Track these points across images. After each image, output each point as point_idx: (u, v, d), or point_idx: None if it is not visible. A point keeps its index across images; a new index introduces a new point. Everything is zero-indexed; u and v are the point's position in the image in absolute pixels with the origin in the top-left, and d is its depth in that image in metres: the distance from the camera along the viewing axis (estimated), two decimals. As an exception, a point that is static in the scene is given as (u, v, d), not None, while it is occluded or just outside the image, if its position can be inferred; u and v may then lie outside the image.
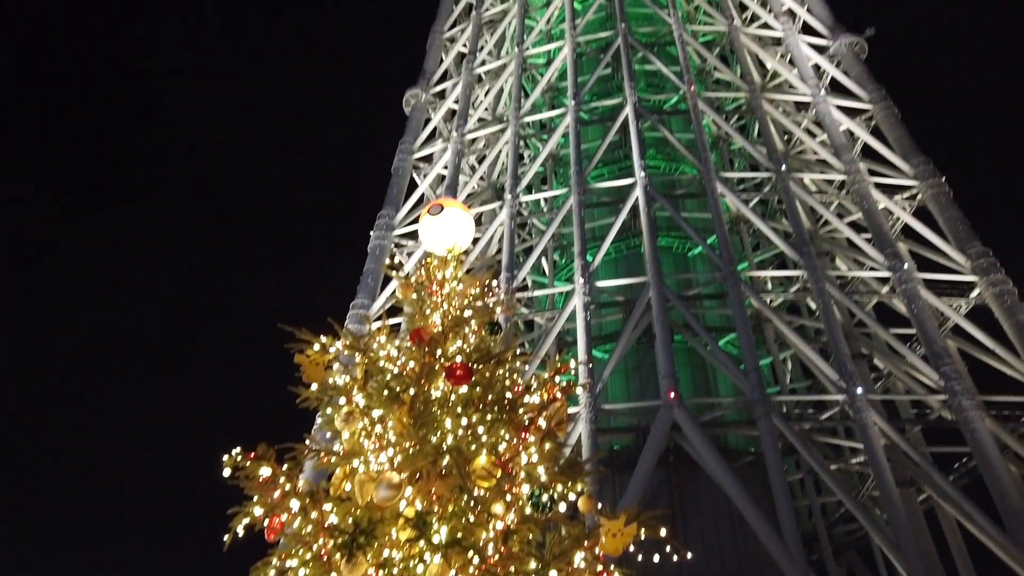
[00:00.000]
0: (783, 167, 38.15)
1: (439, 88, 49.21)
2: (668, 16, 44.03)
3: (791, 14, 45.94)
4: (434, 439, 7.11)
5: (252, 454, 6.67)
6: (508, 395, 7.56)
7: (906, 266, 34.59)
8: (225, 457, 6.58)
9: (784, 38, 44.77)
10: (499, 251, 38.78)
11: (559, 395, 7.61)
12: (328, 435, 7.53)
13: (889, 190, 38.58)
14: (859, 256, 37.78)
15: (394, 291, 8.71)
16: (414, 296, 8.34)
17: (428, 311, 8.17)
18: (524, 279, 40.26)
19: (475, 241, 39.92)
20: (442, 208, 8.79)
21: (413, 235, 41.25)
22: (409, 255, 41.63)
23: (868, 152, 40.57)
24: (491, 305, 8.37)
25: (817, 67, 43.70)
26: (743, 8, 48.05)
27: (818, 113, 41.55)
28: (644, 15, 46.62)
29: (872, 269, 36.22)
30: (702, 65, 46.60)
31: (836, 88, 43.16)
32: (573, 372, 8.65)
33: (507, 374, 7.75)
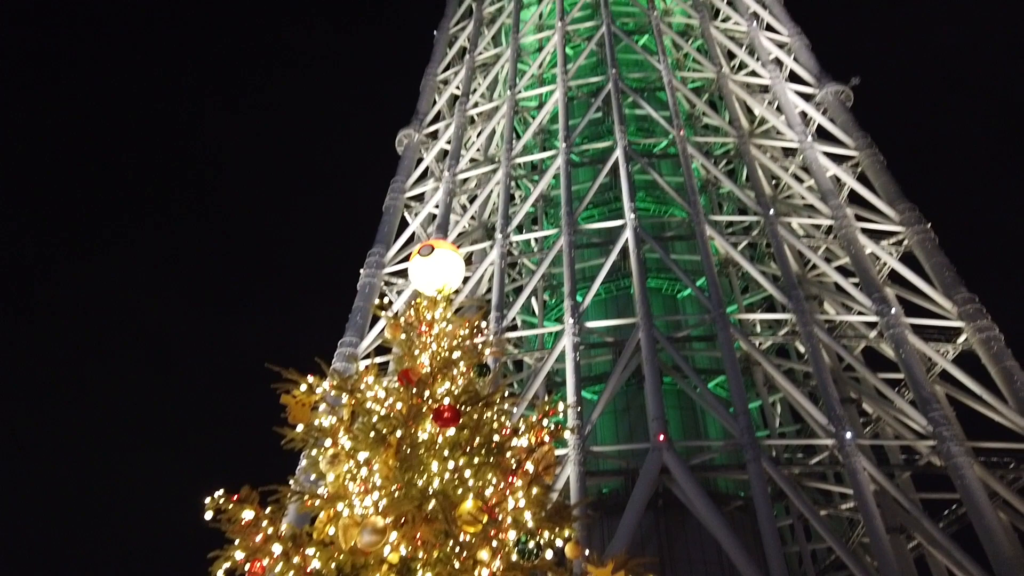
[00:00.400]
0: (771, 211, 38.63)
1: (432, 129, 49.82)
2: (658, 63, 44.98)
3: (778, 62, 47.05)
4: (420, 483, 7.01)
5: (235, 496, 6.54)
6: (496, 438, 7.49)
7: (893, 311, 34.83)
8: (207, 499, 6.44)
9: (771, 86, 45.77)
10: (489, 290, 38.83)
11: (547, 439, 7.54)
12: (313, 477, 7.41)
13: (876, 235, 39.08)
14: (847, 300, 38.06)
15: (383, 330, 8.66)
16: (402, 336, 8.31)
17: (416, 352, 8.13)
18: (514, 319, 40.25)
19: (465, 280, 39.97)
20: (432, 249, 8.82)
21: (403, 273, 41.28)
22: (399, 293, 41.60)
23: (855, 198, 41.19)
24: (480, 346, 8.34)
25: (804, 114, 44.60)
26: (731, 56, 49.21)
27: (805, 159, 42.27)
28: (634, 61, 47.62)
29: (860, 313, 36.46)
30: (691, 110, 47.48)
31: (822, 135, 44.02)
32: (561, 414, 8.62)
33: (495, 416, 7.69)
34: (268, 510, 6.68)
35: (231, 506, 6.50)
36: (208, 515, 6.40)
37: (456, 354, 7.96)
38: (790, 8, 51.39)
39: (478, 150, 47.78)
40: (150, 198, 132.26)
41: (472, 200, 46.21)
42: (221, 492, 6.51)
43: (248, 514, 6.51)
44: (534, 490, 7.14)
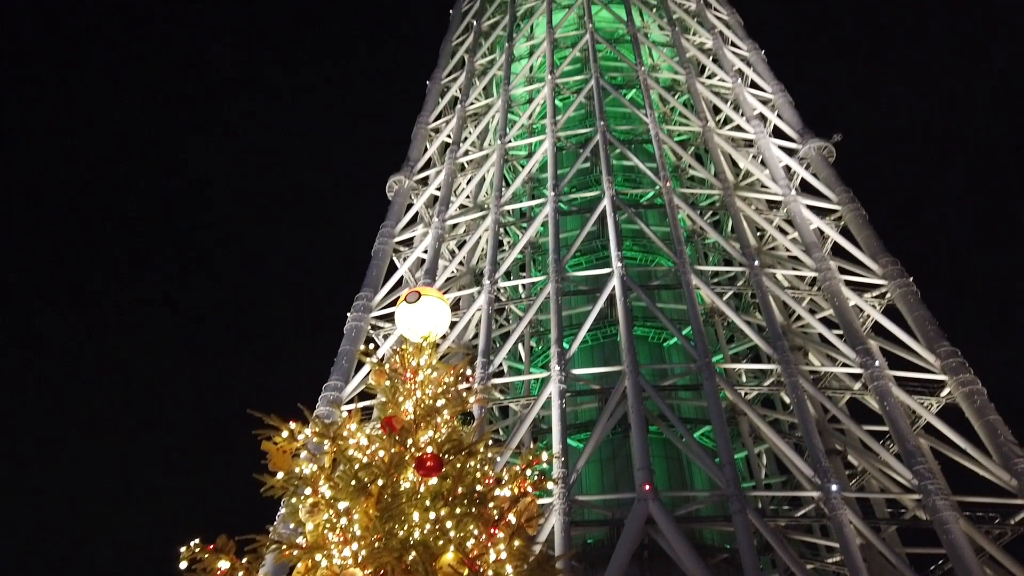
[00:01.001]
0: (756, 262, 39.09)
1: (422, 175, 50.39)
2: (645, 116, 45.98)
3: (762, 118, 48.23)
4: (401, 533, 6.91)
5: (211, 546, 6.43)
6: (479, 488, 7.43)
7: (877, 363, 35.04)
8: (182, 548, 6.32)
9: (756, 140, 46.82)
10: (476, 336, 38.79)
11: (530, 489, 7.48)
12: (292, 526, 7.30)
13: (859, 288, 39.55)
14: (831, 352, 38.27)
15: (367, 375, 8.64)
16: (387, 383, 8.29)
17: (401, 398, 8.11)
18: (500, 365, 40.13)
19: (453, 325, 39.92)
20: (419, 296, 8.87)
21: (391, 318, 41.19)
22: (386, 337, 41.44)
23: (838, 251, 41.79)
24: (464, 394, 8.33)
25: (787, 168, 45.54)
26: (717, 111, 50.41)
27: (789, 212, 43.00)
28: (622, 114, 48.66)
29: (844, 365, 36.63)
30: (677, 162, 48.38)
31: (806, 188, 44.88)
32: (546, 463, 8.56)
33: (478, 466, 7.63)
34: (245, 560, 6.57)
35: (206, 556, 6.38)
36: (183, 565, 6.28)
37: (440, 402, 7.94)
38: (773, 66, 52.99)
39: (468, 197, 48.29)
40: (134, 241, 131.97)
41: (461, 246, 46.50)
42: (197, 541, 6.40)
43: (224, 564, 6.39)
44: (516, 542, 7.06)
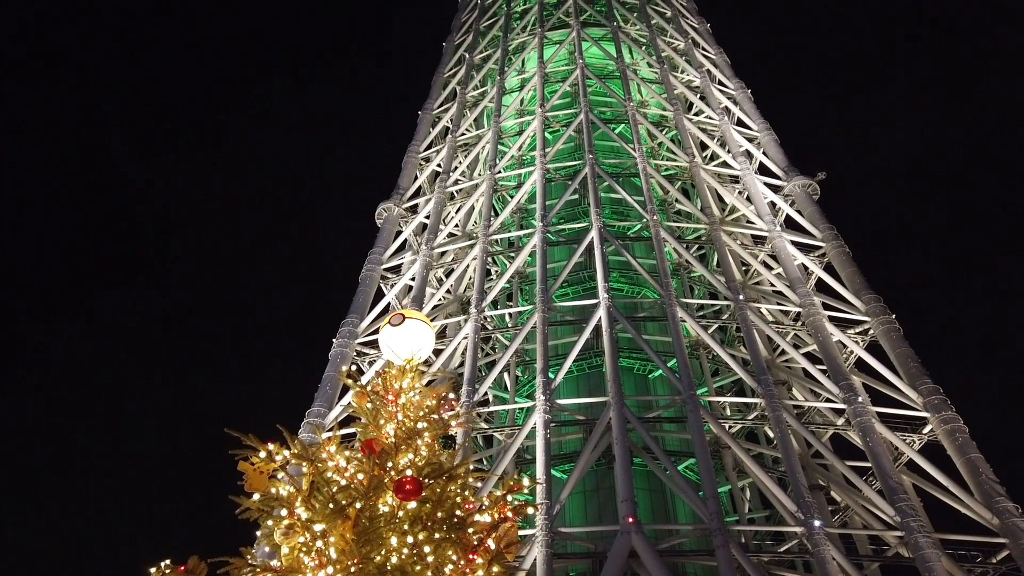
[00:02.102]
0: (741, 296, 39.38)
1: (412, 203, 50.62)
2: (633, 150, 46.59)
3: (748, 155, 49.00)
4: (378, 558, 6.82)
5: (182, 567, 6.32)
6: (458, 513, 7.36)
7: (860, 399, 35.19)
8: (152, 569, 6.21)
9: (741, 176, 47.50)
10: (462, 364, 38.65)
11: (510, 514, 7.42)
12: (267, 549, 7.18)
13: (842, 324, 39.86)
14: (815, 387, 38.43)
15: (351, 401, 8.58)
16: (368, 405, 8.24)
17: (382, 421, 8.06)
18: (485, 393, 39.94)
19: (439, 353, 39.80)
20: (403, 318, 8.87)
21: (376, 344, 40.97)
22: (371, 364, 41.22)
23: (822, 286, 42.21)
24: (447, 418, 8.29)
25: (772, 204, 46.15)
26: (703, 147, 51.19)
27: (774, 247, 43.47)
28: (611, 148, 49.28)
29: (828, 400, 36.76)
30: (664, 196, 48.92)
31: (790, 225, 45.45)
32: (527, 490, 8.53)
33: (459, 490, 7.57)
34: (217, 583, 6.45)
35: (177, 577, 6.27)
36: (152, 586, 6.17)
37: (422, 425, 7.90)
38: (759, 105, 54.01)
39: (456, 225, 48.50)
40: (118, 262, 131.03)
41: (448, 274, 46.56)
42: (167, 562, 6.29)
43: (196, 586, 6.28)
44: (495, 568, 6.98)
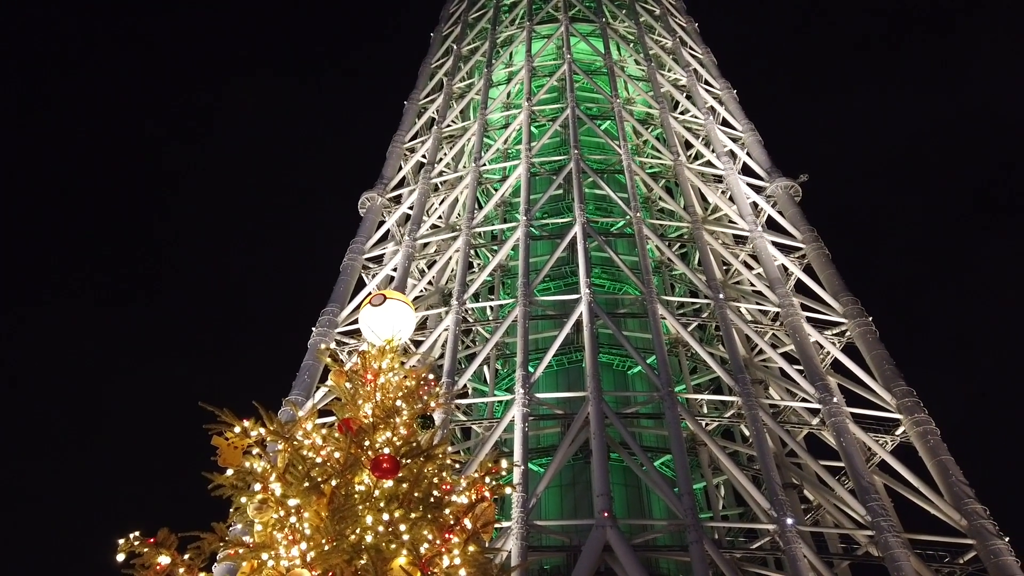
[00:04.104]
0: (721, 295, 39.61)
1: (395, 193, 50.31)
2: (618, 147, 46.66)
3: (732, 155, 49.27)
4: (352, 536, 6.74)
5: (151, 539, 6.18)
6: (435, 493, 7.30)
7: (835, 399, 35.58)
8: (121, 540, 6.06)
9: (725, 176, 47.75)
10: (442, 356, 38.53)
11: (487, 495, 7.38)
12: (239, 526, 7.07)
13: (820, 325, 40.25)
14: (791, 386, 38.78)
15: (329, 389, 8.48)
16: (347, 385, 8.15)
17: (360, 401, 7.97)
18: (465, 385, 39.85)
19: (419, 344, 39.65)
20: (384, 299, 8.77)
21: (356, 333, 40.74)
22: (350, 354, 40.92)
23: (801, 287, 42.59)
24: (426, 398, 8.22)
25: (755, 205, 46.46)
26: (688, 146, 51.39)
27: (755, 247, 43.77)
28: (596, 144, 49.31)
29: (803, 400, 37.12)
30: (648, 194, 49.05)
31: (772, 225, 45.78)
32: (505, 472, 8.54)
33: (436, 470, 7.51)
34: (187, 557, 6.33)
35: (146, 550, 6.13)
36: (120, 558, 6.02)
37: (400, 404, 7.81)
38: (744, 105, 54.31)
39: (440, 217, 48.28)
40: (91, 244, 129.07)
41: (431, 265, 46.37)
42: (136, 534, 6.14)
43: (163, 559, 6.14)
44: (471, 548, 6.93)
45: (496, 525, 8.01)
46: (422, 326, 42.39)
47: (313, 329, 41.44)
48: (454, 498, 7.35)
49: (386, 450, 7.15)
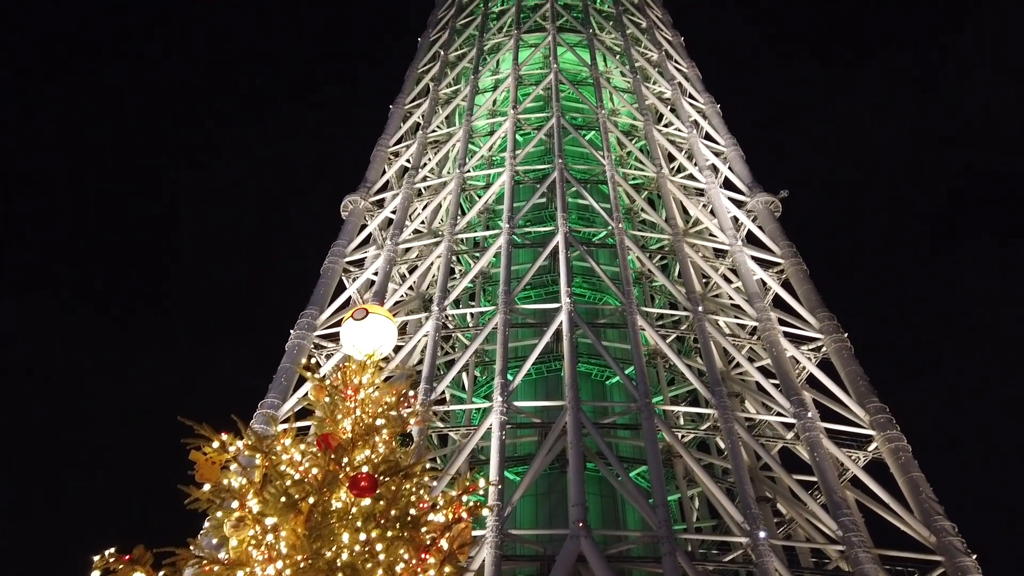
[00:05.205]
0: (700, 308, 39.95)
1: (378, 197, 50.16)
2: (602, 157, 46.94)
3: (714, 169, 49.77)
4: (328, 554, 6.74)
5: (127, 556, 6.15)
6: (412, 511, 7.32)
7: (810, 414, 35.99)
8: (96, 557, 6.03)
9: (706, 190, 48.21)
10: (421, 362, 38.44)
11: (464, 515, 7.41)
12: (215, 541, 7.04)
13: (796, 340, 40.73)
14: (767, 400, 39.16)
15: (306, 393, 8.45)
16: (326, 399, 8.14)
17: (339, 416, 7.96)
18: (443, 392, 39.77)
19: (398, 349, 39.51)
20: (366, 313, 8.77)
21: (334, 337, 40.51)
22: (328, 357, 40.70)
23: (779, 302, 43.07)
24: (405, 415, 8.23)
25: (735, 219, 46.94)
26: (671, 158, 51.83)
27: (734, 261, 44.21)
28: (580, 154, 49.56)
29: (779, 414, 37.50)
30: (630, 205, 49.37)
31: (752, 240, 46.27)
32: (482, 492, 8.57)
33: (414, 489, 7.53)
34: (162, 574, 6.30)
35: (121, 567, 6.10)
36: (95, 575, 5.99)
37: (380, 421, 7.82)
38: (727, 120, 54.92)
39: (422, 222, 48.21)
40: (71, 249, 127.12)
41: (412, 271, 46.27)
42: (112, 551, 6.12)
43: (139, 576, 6.12)
44: (447, 569, 6.96)
45: (472, 533, 8.03)
46: (401, 332, 42.26)
47: (291, 331, 41.15)
48: (431, 516, 7.38)
49: (365, 468, 7.17)
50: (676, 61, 59.20)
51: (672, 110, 54.08)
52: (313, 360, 40.27)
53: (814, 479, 34.92)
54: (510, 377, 35.12)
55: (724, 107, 55.66)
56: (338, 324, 38.91)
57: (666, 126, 53.20)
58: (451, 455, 37.15)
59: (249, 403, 37.74)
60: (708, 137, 52.69)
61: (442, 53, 59.31)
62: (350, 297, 43.82)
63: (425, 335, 38.56)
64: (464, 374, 43.13)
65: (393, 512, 7.14)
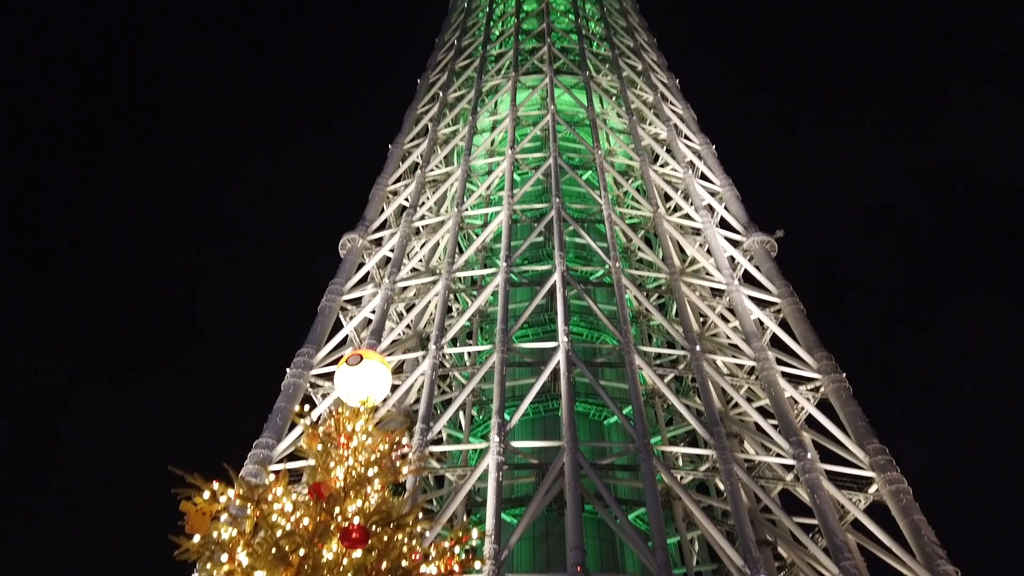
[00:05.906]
0: (698, 347, 39.87)
1: (376, 236, 50.41)
2: (599, 197, 47.35)
3: (710, 209, 50.17)
4: (318, 607, 6.63)
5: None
6: (404, 563, 7.22)
7: (809, 455, 35.64)
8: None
9: (703, 229, 48.52)
10: (417, 400, 38.18)
11: (456, 568, 7.31)
12: (202, 593, 6.91)
13: (795, 380, 40.56)
14: (766, 441, 38.84)
15: (301, 435, 8.39)
16: (319, 447, 8.08)
17: (332, 464, 7.90)
18: (439, 432, 39.43)
19: (395, 388, 39.27)
20: (361, 359, 8.77)
21: (331, 376, 40.28)
22: (324, 396, 40.45)
23: (776, 342, 43.00)
24: (399, 464, 8.16)
25: (732, 259, 47.15)
26: (667, 198, 52.29)
27: (731, 301, 44.27)
28: (577, 193, 50.00)
29: (778, 455, 37.15)
30: (627, 244, 49.63)
31: (748, 279, 46.41)
32: (476, 540, 8.43)
33: (406, 539, 7.43)
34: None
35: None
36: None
37: (372, 470, 7.76)
38: (722, 161, 55.59)
39: (420, 261, 48.37)
40: (69, 278, 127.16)
41: (409, 309, 46.25)
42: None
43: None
44: (438, 623, 6.84)
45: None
46: (398, 370, 42.06)
47: (288, 370, 40.95)
48: (423, 568, 7.28)
49: (356, 519, 7.09)
50: (671, 103, 60.11)
51: (668, 151, 54.74)
52: (308, 403, 40.14)
53: (815, 522, 34.41)
54: (507, 417, 34.85)
55: (719, 147, 56.45)
56: (335, 363, 38.71)
57: (662, 166, 53.78)
58: (447, 496, 36.68)
59: (244, 440, 37.39)
60: (704, 177, 53.22)
61: (441, 94, 60.23)
62: (347, 336, 43.72)
63: (422, 374, 38.39)
64: (461, 413, 42.81)
65: (384, 564, 7.05)
